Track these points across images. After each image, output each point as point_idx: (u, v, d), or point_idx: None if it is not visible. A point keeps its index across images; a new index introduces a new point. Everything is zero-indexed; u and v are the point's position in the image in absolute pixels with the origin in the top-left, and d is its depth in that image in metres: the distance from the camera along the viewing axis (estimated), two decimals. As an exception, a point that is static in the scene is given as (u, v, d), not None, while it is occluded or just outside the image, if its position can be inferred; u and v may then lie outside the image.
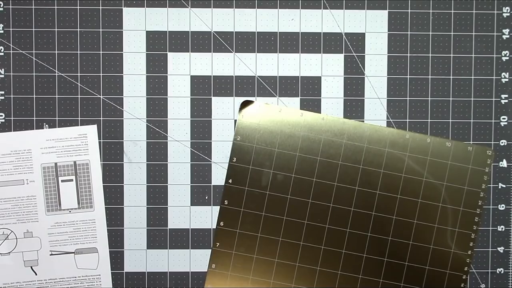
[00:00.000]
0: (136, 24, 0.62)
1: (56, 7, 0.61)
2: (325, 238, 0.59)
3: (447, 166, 0.60)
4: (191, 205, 0.62)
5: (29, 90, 0.61)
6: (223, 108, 0.62)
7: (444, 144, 0.60)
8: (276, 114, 0.60)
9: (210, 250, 0.61)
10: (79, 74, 0.61)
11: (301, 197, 0.59)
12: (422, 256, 0.59)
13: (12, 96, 0.61)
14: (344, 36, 0.62)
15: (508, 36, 0.62)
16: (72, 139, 0.61)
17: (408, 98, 0.62)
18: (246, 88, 0.62)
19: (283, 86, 0.62)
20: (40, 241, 0.61)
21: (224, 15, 0.62)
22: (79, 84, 0.62)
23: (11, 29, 0.61)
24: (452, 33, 0.62)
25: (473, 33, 0.62)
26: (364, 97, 0.62)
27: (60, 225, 0.61)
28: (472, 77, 0.62)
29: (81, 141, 0.61)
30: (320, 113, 0.62)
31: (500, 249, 0.62)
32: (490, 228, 0.62)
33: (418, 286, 0.59)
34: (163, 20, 0.62)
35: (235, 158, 0.60)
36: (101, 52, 0.62)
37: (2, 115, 0.61)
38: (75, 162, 0.61)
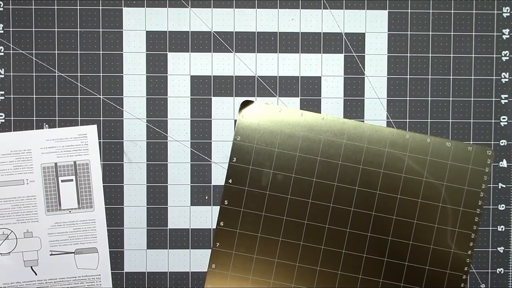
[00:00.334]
0: (136, 24, 0.62)
1: (56, 7, 0.61)
2: (325, 238, 0.59)
3: (447, 166, 0.60)
4: (191, 205, 0.62)
5: (29, 90, 0.61)
6: (223, 108, 0.62)
7: (444, 144, 0.60)
8: (276, 114, 0.60)
9: (210, 250, 0.61)
10: (79, 74, 0.61)
11: (301, 197, 0.59)
12: (422, 256, 0.59)
13: (12, 96, 0.61)
14: (344, 36, 0.62)
15: (508, 36, 0.62)
16: (72, 139, 0.61)
17: (408, 98, 0.62)
18: (246, 88, 0.62)
19: (283, 86, 0.62)
20: (40, 241, 0.61)
21: (224, 15, 0.62)
22: (79, 84, 0.62)
23: (11, 29, 0.61)
24: (452, 33, 0.62)
25: (473, 33, 0.62)
26: (364, 97, 0.62)
27: (60, 225, 0.61)
28: (472, 77, 0.62)
29: (81, 141, 0.61)
30: (320, 113, 0.62)
31: (500, 249, 0.62)
32: (490, 228, 0.62)
33: (418, 286, 0.59)
34: (163, 20, 0.62)
35: (235, 158, 0.60)
36: (101, 52, 0.62)
37: (2, 115, 0.61)
38: (75, 162, 0.61)
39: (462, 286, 0.60)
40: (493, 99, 0.62)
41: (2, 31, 0.61)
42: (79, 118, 0.61)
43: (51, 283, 0.61)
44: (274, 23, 0.62)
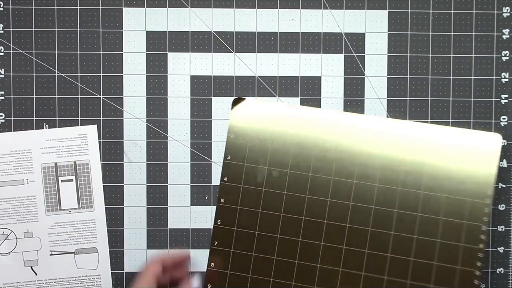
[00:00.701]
0: (136, 24, 0.62)
1: (56, 7, 0.61)
2: (324, 234, 0.59)
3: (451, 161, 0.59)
4: (191, 205, 0.62)
5: (29, 90, 0.61)
6: (223, 108, 0.62)
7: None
8: (268, 109, 0.60)
9: (209, 249, 0.61)
10: (79, 74, 0.61)
11: (298, 193, 0.59)
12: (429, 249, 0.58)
13: (12, 96, 0.61)
14: (344, 36, 0.62)
15: (508, 36, 0.62)
16: (72, 139, 0.61)
17: (408, 98, 0.62)
18: (246, 88, 0.62)
19: (283, 86, 0.62)
20: (40, 241, 0.61)
21: (224, 15, 0.62)
22: (79, 84, 0.61)
23: (11, 29, 0.61)
24: (452, 33, 0.62)
25: (473, 33, 0.62)
26: (364, 97, 0.62)
27: (60, 225, 0.61)
28: (472, 77, 0.62)
29: (81, 141, 0.61)
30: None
31: (500, 249, 0.62)
32: (490, 228, 0.62)
33: (426, 283, 0.58)
34: (163, 20, 0.62)
35: (229, 156, 0.60)
36: (101, 52, 0.62)
37: (2, 115, 0.61)
38: (75, 162, 0.61)
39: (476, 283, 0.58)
40: (493, 99, 0.62)
41: (2, 31, 0.61)
42: (79, 118, 0.61)
43: (51, 283, 0.61)
44: (274, 23, 0.62)
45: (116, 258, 0.61)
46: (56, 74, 0.61)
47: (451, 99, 0.62)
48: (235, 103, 0.60)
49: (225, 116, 0.62)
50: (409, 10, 0.62)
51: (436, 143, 0.59)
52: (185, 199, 0.62)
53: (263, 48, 0.62)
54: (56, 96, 0.61)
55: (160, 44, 0.62)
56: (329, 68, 0.62)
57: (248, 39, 0.62)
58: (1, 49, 0.61)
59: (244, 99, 0.60)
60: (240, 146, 0.60)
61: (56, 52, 0.61)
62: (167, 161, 0.62)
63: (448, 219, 0.58)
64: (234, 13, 0.62)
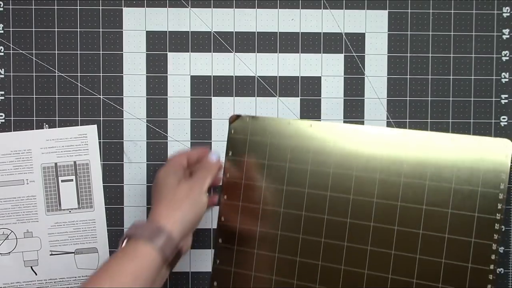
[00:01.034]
0: (136, 24, 0.62)
1: (56, 7, 0.61)
2: (325, 230, 0.57)
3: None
4: (191, 205, 0.62)
5: (29, 90, 0.61)
6: (223, 108, 0.62)
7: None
8: (265, 125, 0.59)
9: (211, 249, 0.61)
10: (79, 74, 0.61)
11: (298, 187, 0.58)
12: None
13: (12, 96, 0.61)
14: (344, 36, 0.62)
15: (508, 36, 0.62)
16: (72, 139, 0.61)
17: (408, 98, 0.62)
18: (246, 88, 0.62)
19: (283, 86, 0.62)
20: (40, 241, 0.61)
21: (224, 15, 0.62)
22: (79, 84, 0.61)
23: (11, 29, 0.61)
24: (452, 33, 0.62)
25: (473, 33, 0.62)
26: (364, 97, 0.62)
27: (60, 225, 0.61)
28: (472, 77, 0.62)
29: (81, 141, 0.61)
30: (319, 115, 0.62)
31: (500, 249, 0.62)
32: (490, 228, 0.62)
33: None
34: (163, 20, 0.62)
35: (228, 174, 0.59)
36: (101, 52, 0.62)
37: (2, 115, 0.61)
38: (75, 162, 0.61)
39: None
40: (493, 99, 0.62)
41: (2, 31, 0.61)
42: (79, 118, 0.61)
43: (51, 283, 0.61)
44: (274, 23, 0.62)
45: (116, 258, 0.61)
46: (56, 74, 0.61)
47: (451, 99, 0.62)
48: (232, 120, 0.60)
49: (225, 116, 0.61)
50: (409, 10, 0.62)
51: (443, 152, 0.55)
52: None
53: (263, 48, 0.62)
54: (56, 96, 0.61)
55: (160, 44, 0.62)
56: (329, 68, 0.62)
57: (248, 39, 0.62)
58: (1, 49, 0.61)
59: (240, 116, 0.59)
60: (239, 163, 0.59)
61: (56, 52, 0.61)
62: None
63: (454, 237, 0.54)
64: (234, 13, 0.62)
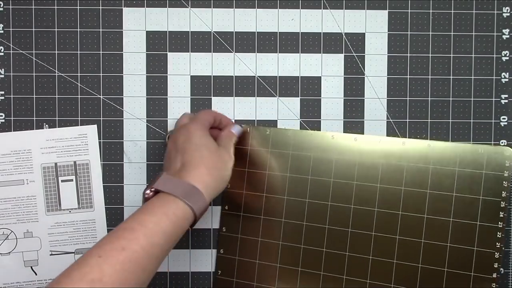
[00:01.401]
0: (136, 24, 0.62)
1: (56, 7, 0.61)
2: (326, 240, 0.58)
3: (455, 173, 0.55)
4: (191, 205, 0.62)
5: (29, 90, 0.61)
6: (223, 108, 0.62)
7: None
8: (264, 135, 0.59)
9: (211, 249, 0.61)
10: (79, 74, 0.61)
11: (298, 197, 0.59)
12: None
13: (12, 96, 0.61)
14: (344, 36, 0.62)
15: (508, 36, 0.62)
16: (72, 139, 0.61)
17: (408, 98, 0.62)
18: (246, 88, 0.62)
19: (283, 86, 0.62)
20: (40, 241, 0.61)
21: (224, 15, 0.62)
22: (79, 84, 0.61)
23: (11, 29, 0.61)
24: (452, 33, 0.62)
25: (473, 33, 0.62)
26: (364, 97, 0.62)
27: (60, 225, 0.61)
28: (472, 77, 0.62)
29: (81, 141, 0.61)
30: (319, 115, 0.62)
31: (500, 249, 0.62)
32: (490, 228, 0.62)
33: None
34: (163, 20, 0.62)
35: (229, 185, 0.59)
36: (101, 52, 0.62)
37: (2, 115, 0.61)
38: (75, 162, 0.61)
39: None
40: (493, 99, 0.62)
41: (2, 31, 0.61)
42: (79, 118, 0.61)
43: (51, 283, 0.61)
44: (274, 23, 0.62)
45: (116, 258, 0.61)
46: (56, 74, 0.61)
47: (451, 99, 0.62)
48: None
49: (225, 116, 0.61)
50: (409, 10, 0.62)
51: (444, 160, 0.55)
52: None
53: (263, 48, 0.62)
54: (56, 96, 0.61)
55: (160, 44, 0.62)
56: (329, 68, 0.62)
57: (248, 39, 0.62)
58: (1, 49, 0.61)
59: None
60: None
61: (56, 52, 0.61)
62: (167, 161, 0.62)
63: (456, 245, 0.54)
64: (234, 13, 0.62)
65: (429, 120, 0.62)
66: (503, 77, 0.62)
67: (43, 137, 0.61)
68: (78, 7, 0.61)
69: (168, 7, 0.62)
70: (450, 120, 0.62)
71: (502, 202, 0.54)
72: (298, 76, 0.62)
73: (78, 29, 0.61)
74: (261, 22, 0.62)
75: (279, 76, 0.62)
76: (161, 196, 0.48)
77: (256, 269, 0.58)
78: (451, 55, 0.62)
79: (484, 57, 0.62)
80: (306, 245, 0.58)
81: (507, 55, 0.62)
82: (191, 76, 0.62)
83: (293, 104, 0.62)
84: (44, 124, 0.61)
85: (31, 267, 0.61)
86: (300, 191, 0.58)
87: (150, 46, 0.62)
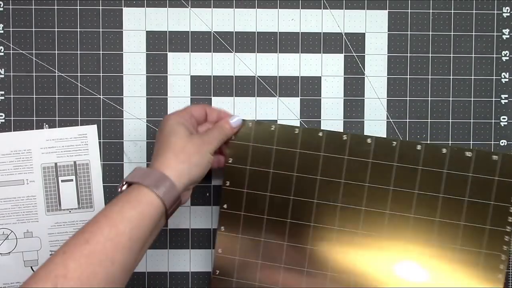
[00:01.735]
0: (136, 24, 0.62)
1: (56, 7, 0.61)
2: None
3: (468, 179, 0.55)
4: (191, 205, 0.62)
5: (29, 90, 0.61)
6: (223, 108, 0.62)
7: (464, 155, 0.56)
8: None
9: (211, 249, 0.61)
10: (79, 74, 0.61)
11: (303, 197, 0.58)
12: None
13: (12, 96, 0.61)
14: (344, 36, 0.62)
15: (508, 36, 0.62)
16: (72, 139, 0.61)
17: (408, 98, 0.62)
18: (246, 88, 0.62)
19: (283, 86, 0.62)
20: (40, 241, 0.61)
21: (224, 15, 0.62)
22: (79, 84, 0.61)
23: (11, 29, 0.61)
24: (452, 33, 0.62)
25: (473, 33, 0.62)
26: (364, 97, 0.62)
27: (60, 225, 0.61)
28: (472, 77, 0.62)
29: (81, 141, 0.61)
30: (319, 115, 0.62)
31: (500, 249, 0.62)
32: (490, 228, 0.62)
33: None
34: (163, 20, 0.62)
35: (228, 182, 0.58)
36: (101, 52, 0.62)
37: (2, 115, 0.61)
38: (75, 162, 0.61)
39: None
40: (493, 99, 0.62)
41: (2, 31, 0.61)
42: (79, 118, 0.61)
43: (51, 283, 0.61)
44: (274, 23, 0.62)
45: (116, 258, 0.61)
46: (56, 74, 0.61)
47: (451, 99, 0.62)
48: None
49: (225, 116, 0.61)
50: (409, 10, 0.62)
51: (456, 165, 0.56)
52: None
53: (263, 48, 0.62)
54: (56, 96, 0.61)
55: (160, 44, 0.62)
56: (329, 68, 0.62)
57: (248, 39, 0.62)
58: (1, 49, 0.61)
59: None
60: (239, 170, 0.58)
61: (56, 52, 0.61)
62: (167, 161, 0.61)
63: (466, 248, 0.55)
64: (234, 13, 0.62)
65: (429, 120, 0.62)
66: (503, 77, 0.62)
67: (43, 137, 0.61)
68: (78, 7, 0.61)
69: (168, 7, 0.62)
70: (450, 120, 0.62)
71: (511, 208, 0.55)
72: (298, 76, 0.62)
73: (78, 29, 0.61)
74: (261, 22, 0.62)
75: (279, 76, 0.62)
76: (130, 187, 0.48)
77: (258, 269, 0.58)
78: (451, 55, 0.62)
79: (484, 57, 0.62)
80: (312, 245, 0.57)
81: (507, 55, 0.62)
82: (191, 76, 0.62)
83: (293, 104, 0.62)
84: (44, 124, 0.61)
85: (31, 267, 0.61)
86: (307, 190, 0.58)
87: (150, 46, 0.62)
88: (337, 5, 0.62)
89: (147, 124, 0.62)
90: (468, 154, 0.56)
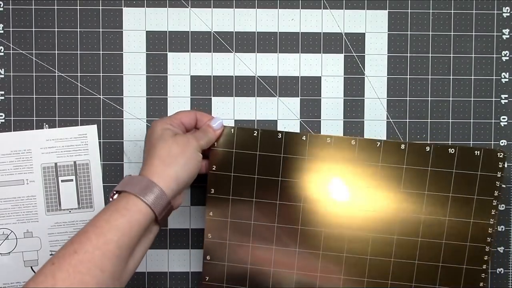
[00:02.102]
0: (136, 24, 0.62)
1: (56, 7, 0.61)
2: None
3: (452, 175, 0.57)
4: (191, 205, 0.62)
5: (29, 90, 0.61)
6: (223, 108, 0.62)
7: (447, 151, 0.57)
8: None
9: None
10: (79, 74, 0.61)
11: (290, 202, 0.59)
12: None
13: (12, 96, 0.61)
14: (344, 36, 0.62)
15: (508, 36, 0.62)
16: (72, 139, 0.61)
17: (408, 98, 0.62)
18: (246, 88, 0.62)
19: (283, 86, 0.62)
20: (40, 241, 0.61)
21: (224, 15, 0.62)
22: (79, 84, 0.61)
23: (11, 29, 0.61)
24: (452, 33, 0.62)
25: (473, 33, 0.62)
26: (364, 97, 0.62)
27: (60, 225, 0.61)
28: (472, 77, 0.62)
29: (81, 141, 0.61)
30: (319, 115, 0.62)
31: (500, 249, 0.62)
32: (490, 228, 0.62)
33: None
34: (163, 20, 0.62)
35: (212, 190, 0.58)
36: (101, 52, 0.62)
37: (2, 115, 0.61)
38: (75, 162, 0.61)
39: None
40: (493, 99, 0.62)
41: (2, 31, 0.61)
42: (79, 118, 0.61)
43: (51, 283, 0.61)
44: (274, 23, 0.62)
45: (116, 258, 0.61)
46: (56, 74, 0.61)
47: (451, 99, 0.62)
48: None
49: (225, 116, 0.62)
50: (409, 10, 0.62)
51: (441, 163, 0.57)
52: (185, 199, 0.62)
53: (263, 48, 0.62)
54: (56, 96, 0.61)
55: (160, 44, 0.62)
56: (329, 68, 0.62)
57: (248, 39, 0.62)
58: (1, 49, 0.61)
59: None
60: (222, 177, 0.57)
61: (56, 52, 0.61)
62: (167, 161, 0.61)
63: (451, 242, 0.57)
64: (234, 13, 0.62)
65: (429, 120, 0.62)
66: (503, 77, 0.62)
67: (43, 137, 0.61)
68: (78, 7, 0.61)
69: (168, 7, 0.62)
70: (450, 120, 0.62)
71: (494, 201, 0.57)
72: (298, 76, 0.62)
73: (78, 29, 0.61)
74: (261, 22, 0.62)
75: (279, 76, 0.62)
76: (119, 196, 0.48)
77: (248, 274, 0.58)
78: (451, 55, 0.62)
79: (484, 57, 0.62)
80: (301, 248, 0.58)
81: (507, 55, 0.62)
82: (191, 76, 0.62)
83: (293, 104, 0.62)
84: (44, 124, 0.61)
85: (31, 267, 0.61)
86: (293, 197, 0.58)
87: (150, 46, 0.62)
88: (337, 5, 0.62)
89: (147, 124, 0.62)
90: (451, 151, 0.57)
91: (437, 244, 0.57)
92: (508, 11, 0.62)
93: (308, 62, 0.62)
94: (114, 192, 0.49)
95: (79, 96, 0.61)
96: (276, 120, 0.62)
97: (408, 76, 0.62)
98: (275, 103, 0.62)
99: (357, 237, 0.57)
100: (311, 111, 0.62)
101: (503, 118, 0.62)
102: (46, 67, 0.61)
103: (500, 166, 0.56)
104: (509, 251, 0.62)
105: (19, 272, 0.61)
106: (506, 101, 0.62)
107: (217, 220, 0.58)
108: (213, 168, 0.57)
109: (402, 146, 0.57)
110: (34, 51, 0.61)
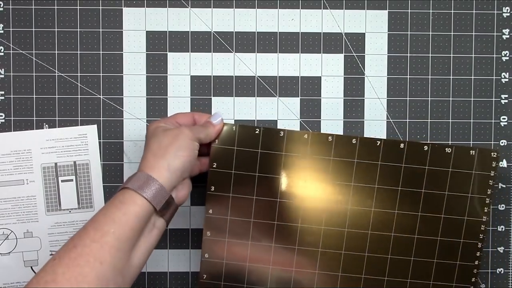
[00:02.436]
0: (136, 24, 0.62)
1: (56, 7, 0.61)
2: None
3: (448, 174, 0.57)
4: (191, 205, 0.62)
5: (29, 90, 0.61)
6: (223, 108, 0.62)
7: (444, 151, 0.57)
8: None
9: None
10: (79, 74, 0.61)
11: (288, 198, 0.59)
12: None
13: (12, 96, 0.61)
14: (344, 36, 0.62)
15: (508, 36, 0.62)
16: (72, 139, 0.61)
17: (408, 98, 0.62)
18: (246, 88, 0.62)
19: (283, 86, 0.62)
20: (40, 241, 0.61)
21: (224, 15, 0.62)
22: (79, 84, 0.62)
23: (11, 29, 0.61)
24: (452, 33, 0.62)
25: (473, 33, 0.62)
26: (364, 97, 0.62)
27: (60, 225, 0.61)
28: (472, 77, 0.62)
29: (81, 141, 0.61)
30: (319, 115, 0.62)
31: (500, 249, 0.62)
32: (490, 228, 0.62)
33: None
34: (163, 20, 0.62)
35: (213, 187, 0.57)
36: (101, 52, 0.62)
37: (2, 115, 0.61)
38: (75, 162, 0.61)
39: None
40: (493, 99, 0.62)
41: (2, 31, 0.61)
42: (79, 118, 0.61)
43: (51, 283, 0.61)
44: (274, 23, 0.62)
45: (116, 258, 0.61)
46: (56, 74, 0.61)
47: (451, 99, 0.62)
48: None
49: (225, 116, 0.62)
50: (409, 10, 0.62)
51: (437, 162, 0.58)
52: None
53: (263, 48, 0.62)
54: (56, 96, 0.61)
55: (160, 44, 0.62)
56: (329, 68, 0.62)
57: (248, 39, 0.62)
58: (1, 49, 0.61)
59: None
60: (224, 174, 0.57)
61: (56, 52, 0.61)
62: (167, 161, 0.61)
63: (446, 239, 0.58)
64: (234, 13, 0.62)
65: (429, 120, 0.62)
66: (503, 77, 0.62)
67: (43, 137, 0.61)
68: (78, 7, 0.61)
69: (168, 7, 0.62)
70: (450, 120, 0.62)
71: (487, 199, 0.58)
72: (298, 76, 0.62)
73: (78, 29, 0.61)
74: (261, 22, 0.62)
75: (279, 76, 0.62)
76: (117, 193, 0.49)
77: (246, 273, 0.58)
78: (451, 55, 0.62)
79: (484, 57, 0.62)
80: (300, 246, 0.58)
81: (507, 55, 0.62)
82: (191, 76, 0.62)
83: (293, 104, 0.62)
84: (44, 124, 0.61)
85: (31, 267, 0.61)
86: (294, 195, 0.57)
87: (150, 46, 0.62)
88: (337, 5, 0.62)
89: (147, 124, 0.62)
90: (448, 150, 0.57)
91: (431, 241, 0.58)
92: (508, 11, 0.62)
93: (308, 62, 0.62)
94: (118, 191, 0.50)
95: (79, 96, 0.61)
96: (276, 120, 0.62)
97: (408, 76, 0.62)
98: (275, 103, 0.62)
99: (377, 237, 0.58)
100: (311, 111, 0.62)
101: (503, 118, 0.62)
102: (46, 67, 0.61)
103: (494, 165, 0.57)
104: (509, 251, 0.62)
105: (19, 272, 0.61)
106: (506, 101, 0.62)
107: (217, 218, 0.58)
108: (214, 166, 0.57)
109: (401, 145, 0.57)
110: (34, 51, 0.61)
